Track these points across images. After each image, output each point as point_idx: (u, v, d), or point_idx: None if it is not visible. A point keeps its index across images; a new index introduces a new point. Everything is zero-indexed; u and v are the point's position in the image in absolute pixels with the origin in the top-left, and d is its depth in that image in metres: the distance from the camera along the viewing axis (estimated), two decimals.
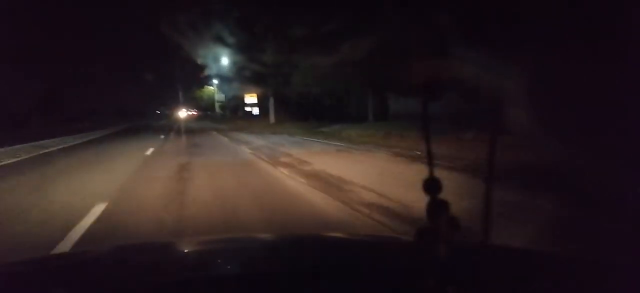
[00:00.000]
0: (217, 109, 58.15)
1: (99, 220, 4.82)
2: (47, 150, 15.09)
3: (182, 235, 4.19)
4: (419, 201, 1.11)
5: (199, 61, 37.10)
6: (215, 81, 60.26)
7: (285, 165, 9.43)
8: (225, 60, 38.08)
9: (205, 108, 74.60)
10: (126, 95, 68.78)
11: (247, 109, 40.36)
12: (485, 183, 0.52)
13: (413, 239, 0.61)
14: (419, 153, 9.82)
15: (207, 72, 45.85)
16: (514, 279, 1.01)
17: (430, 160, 0.58)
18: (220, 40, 27.34)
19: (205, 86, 65.71)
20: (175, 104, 77.02)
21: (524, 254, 1.35)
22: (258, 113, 39.67)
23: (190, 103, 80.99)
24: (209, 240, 2.33)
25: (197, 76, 52.14)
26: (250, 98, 40.17)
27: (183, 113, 73.93)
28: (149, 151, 13.59)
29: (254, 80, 30.88)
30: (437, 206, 0.56)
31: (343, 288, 1.05)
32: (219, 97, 57.65)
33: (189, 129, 31.53)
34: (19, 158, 12.49)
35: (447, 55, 0.50)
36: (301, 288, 1.09)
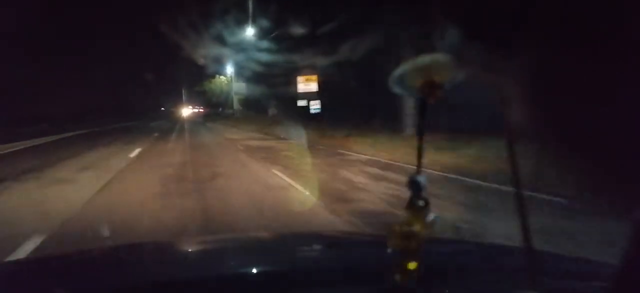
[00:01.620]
0: (236, 105, 40.36)
1: None
2: None
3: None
4: None
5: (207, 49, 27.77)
6: (229, 69, 43.30)
7: None
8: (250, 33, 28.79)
9: (216, 104, 57.56)
10: (126, 92, 62.16)
11: (301, 102, 22.50)
12: (515, 191, 0.52)
13: (387, 234, 0.62)
14: None
15: (218, 61, 33.13)
16: (494, 274, 1.10)
17: (419, 158, 0.60)
18: None
19: (216, 76, 48.37)
20: (178, 100, 68.74)
21: (504, 251, 1.38)
22: (319, 111, 21.98)
23: (198, 98, 67.70)
24: (208, 239, 2.35)
25: (204, 68, 38.33)
26: (306, 85, 22.41)
27: (187, 110, 62.40)
28: None
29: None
30: (417, 203, 0.59)
31: (343, 287, 1.08)
32: (238, 87, 39.84)
33: (197, 147, 13.83)
34: None
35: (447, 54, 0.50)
36: (301, 287, 1.10)
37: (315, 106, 22.40)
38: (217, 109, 58.65)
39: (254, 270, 1.25)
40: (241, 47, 32.17)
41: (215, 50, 29.77)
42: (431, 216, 0.59)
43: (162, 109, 73.93)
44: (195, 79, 57.31)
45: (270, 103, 34.97)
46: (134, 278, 1.22)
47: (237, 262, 1.44)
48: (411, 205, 0.58)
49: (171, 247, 1.83)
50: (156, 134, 20.14)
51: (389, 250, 0.65)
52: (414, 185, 0.59)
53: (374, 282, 1.02)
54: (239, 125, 28.40)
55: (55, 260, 1.61)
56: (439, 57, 0.50)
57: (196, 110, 69.57)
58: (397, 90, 0.56)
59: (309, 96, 22.56)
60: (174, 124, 34.07)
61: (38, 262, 1.56)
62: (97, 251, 1.82)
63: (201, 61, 34.91)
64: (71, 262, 1.48)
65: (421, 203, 0.59)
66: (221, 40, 31.02)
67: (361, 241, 1.90)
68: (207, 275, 1.21)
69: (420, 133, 0.60)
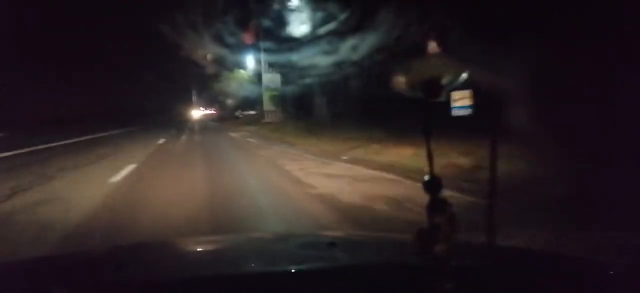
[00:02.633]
0: (268, 104, 28.79)
1: None
2: None
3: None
4: None
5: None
6: (250, 60, 32.80)
7: None
8: None
9: (235, 104, 46.92)
10: (127, 94, 58.73)
11: (455, 102, 10.95)
12: (489, 185, 0.55)
13: (413, 238, 0.61)
14: None
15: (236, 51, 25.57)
16: (514, 279, 1.04)
17: (430, 159, 0.58)
18: None
19: (235, 70, 37.40)
20: (187, 102, 59.23)
21: (525, 253, 1.34)
22: (469, 111, 10.52)
23: (209, 99, 59.60)
24: (208, 240, 2.29)
25: (217, 64, 31.79)
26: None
27: (198, 112, 56.64)
28: None
29: None
30: (437, 205, 0.57)
31: (343, 287, 1.06)
32: (270, 81, 28.33)
33: None
34: None
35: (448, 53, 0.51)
36: (301, 288, 1.08)
37: (460, 106, 10.83)
38: (235, 110, 47.65)
39: (254, 270, 1.27)
40: (276, 22, 21.26)
41: (232, 37, 21.51)
42: (455, 216, 0.55)
43: (170, 111, 66.85)
44: (205, 79, 47.17)
45: (321, 99, 23.49)
46: (134, 278, 1.22)
47: (237, 262, 1.44)
48: (432, 207, 0.55)
49: (171, 247, 1.79)
50: (129, 169, 8.63)
51: (405, 252, 0.73)
52: (431, 187, 0.56)
53: (374, 282, 1.03)
54: (287, 136, 16.80)
55: (55, 260, 1.61)
56: (440, 56, 0.51)
57: (208, 112, 60.08)
58: (398, 90, 0.53)
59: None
60: (179, 131, 22.96)
61: (38, 262, 1.56)
62: (97, 251, 1.80)
63: (211, 56, 28.09)
64: (71, 262, 1.47)
65: (441, 205, 0.55)
66: (242, 21, 22.35)
67: (362, 241, 1.89)
68: (207, 275, 1.20)
69: (428, 133, 0.57)
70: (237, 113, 45.97)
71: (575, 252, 2.59)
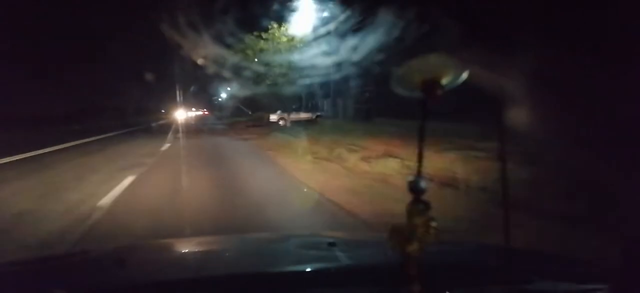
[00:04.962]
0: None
1: None
2: None
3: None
4: None
5: None
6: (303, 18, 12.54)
7: None
8: None
9: (239, 105, 25.92)
10: (124, 93, 46.78)
11: None
12: (501, 191, 0.52)
13: (387, 236, 0.63)
14: None
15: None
16: (489, 276, 1.08)
17: (420, 160, 0.59)
18: None
19: (267, 30, 17.59)
20: (172, 99, 47.11)
21: (502, 251, 1.32)
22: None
23: (204, 97, 49.98)
24: (209, 240, 2.32)
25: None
26: None
27: (184, 114, 42.79)
28: None
29: None
30: (417, 206, 0.58)
31: (343, 287, 1.07)
32: None
33: None
34: None
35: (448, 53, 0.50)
36: (301, 288, 1.09)
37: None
38: (239, 110, 25.56)
39: (254, 270, 1.26)
40: None
41: None
42: (433, 221, 0.57)
43: (162, 111, 62.42)
44: (194, 69, 29.26)
45: None
46: (134, 278, 1.22)
47: (237, 262, 1.44)
48: (412, 208, 0.56)
49: (171, 247, 1.78)
50: None
51: (389, 252, 0.65)
52: (415, 188, 0.57)
53: (374, 282, 1.04)
54: None
55: (55, 260, 1.61)
56: (440, 56, 0.49)
57: (199, 113, 52.24)
58: (398, 90, 0.53)
59: None
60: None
61: (38, 262, 1.56)
62: (97, 251, 1.80)
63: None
64: (71, 262, 1.47)
65: (422, 206, 0.57)
66: None
67: (362, 241, 1.89)
68: (207, 275, 1.21)
69: (421, 135, 0.57)
70: (276, 118, 22.71)
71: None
